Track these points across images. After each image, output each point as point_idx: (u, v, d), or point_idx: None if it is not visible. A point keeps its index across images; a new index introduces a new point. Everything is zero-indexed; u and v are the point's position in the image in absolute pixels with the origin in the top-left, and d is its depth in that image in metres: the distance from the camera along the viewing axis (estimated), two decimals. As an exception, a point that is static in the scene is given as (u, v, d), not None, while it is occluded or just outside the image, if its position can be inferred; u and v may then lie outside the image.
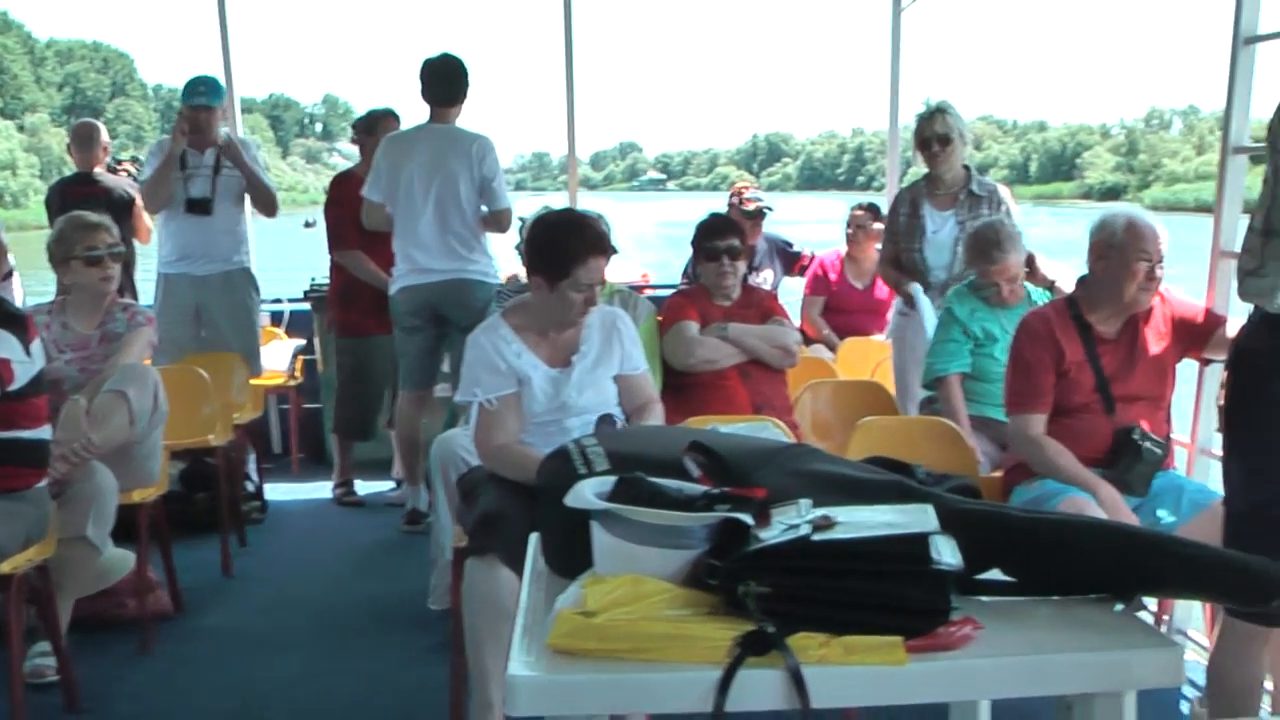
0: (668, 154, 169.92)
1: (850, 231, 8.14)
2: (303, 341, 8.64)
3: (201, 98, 6.98)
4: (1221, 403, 3.68)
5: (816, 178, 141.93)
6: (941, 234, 6.09)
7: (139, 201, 7.60)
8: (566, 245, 4.25)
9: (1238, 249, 3.54)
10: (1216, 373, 4.45)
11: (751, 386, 5.37)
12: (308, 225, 7.99)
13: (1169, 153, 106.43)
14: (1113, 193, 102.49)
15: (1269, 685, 3.75)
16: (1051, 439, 4.36)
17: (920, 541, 2.13)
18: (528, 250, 4.42)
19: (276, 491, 7.78)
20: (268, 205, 7.34)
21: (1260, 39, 4.50)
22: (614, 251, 4.79)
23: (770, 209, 8.38)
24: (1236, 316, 4.05)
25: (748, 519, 2.21)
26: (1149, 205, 79.47)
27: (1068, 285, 5.09)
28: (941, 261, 6.03)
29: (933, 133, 6.08)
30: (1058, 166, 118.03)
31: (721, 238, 5.56)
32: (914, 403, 5.90)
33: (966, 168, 6.20)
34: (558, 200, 8.91)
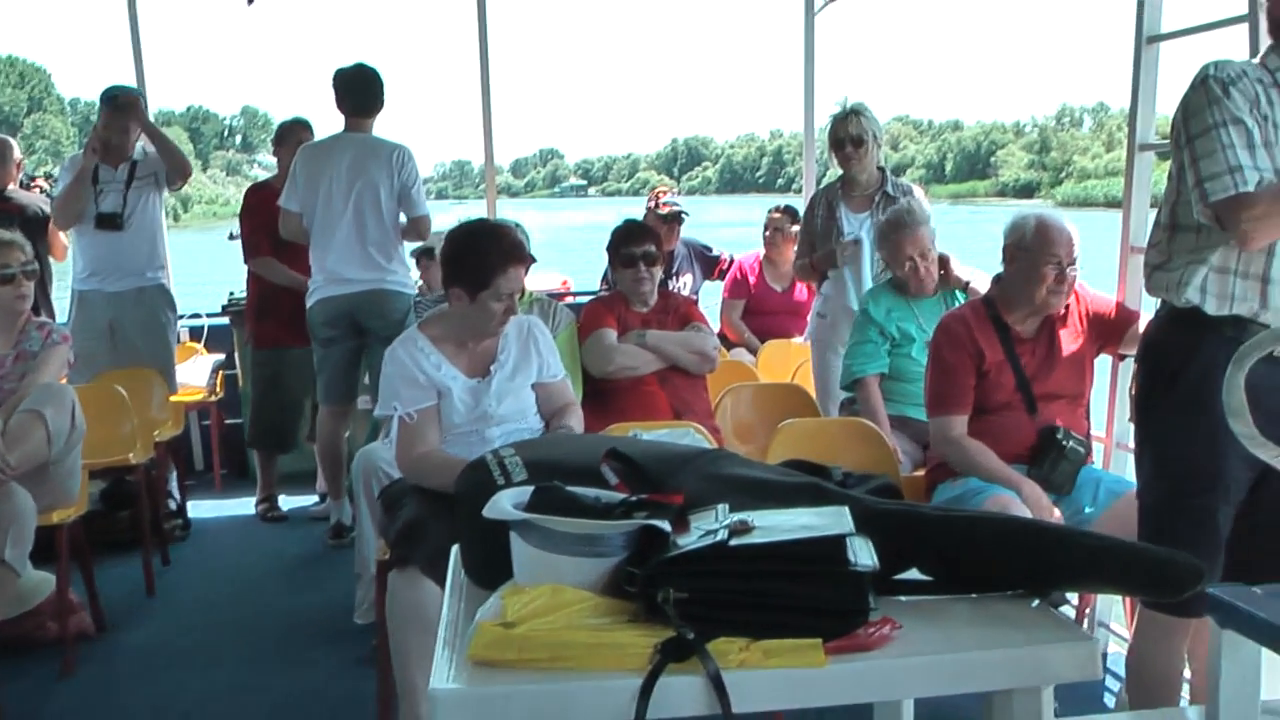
0: (589, 160, 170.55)
1: (767, 234, 8.14)
2: (222, 356, 8.55)
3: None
4: (1133, 394, 3.74)
5: (737, 181, 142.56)
6: (858, 236, 6.13)
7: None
8: (486, 255, 4.25)
9: (1146, 244, 3.59)
10: (1130, 366, 4.51)
11: (671, 392, 5.38)
12: (232, 237, 7.92)
13: (1079, 150, 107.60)
14: (1027, 190, 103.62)
15: (1188, 675, 3.81)
16: (973, 440, 4.40)
17: (837, 543, 2.14)
18: (446, 262, 4.40)
19: (199, 508, 7.72)
20: (180, 166, 7.19)
21: (1162, 38, 4.56)
22: (532, 260, 4.80)
23: (686, 214, 8.37)
24: (1148, 311, 4.11)
25: (666, 526, 2.22)
26: (1060, 202, 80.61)
27: (982, 286, 5.14)
28: (858, 263, 6.07)
29: (846, 134, 6.12)
30: (973, 165, 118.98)
31: (637, 244, 5.55)
32: (834, 402, 5.92)
33: (881, 169, 6.25)
34: (478, 209, 8.90)
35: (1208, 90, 3.15)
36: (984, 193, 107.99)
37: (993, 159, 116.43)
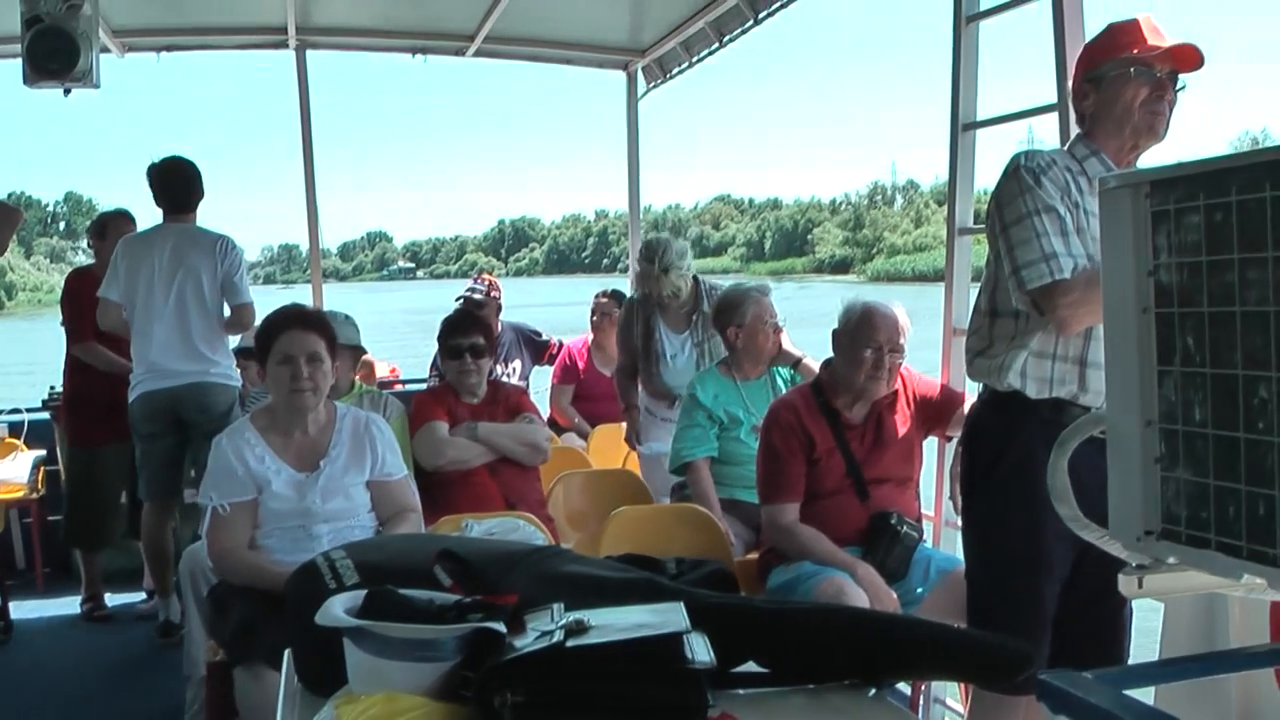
0: (416, 241, 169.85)
1: (595, 319, 8.13)
2: (44, 452, 8.30)
3: None
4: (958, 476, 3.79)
5: (564, 261, 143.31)
6: (680, 358, 6.25)
7: None
8: (269, 323, 4.35)
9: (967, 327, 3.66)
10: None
11: (503, 483, 5.34)
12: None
13: (890, 226, 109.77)
14: (842, 265, 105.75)
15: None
16: (805, 526, 4.42)
17: (673, 641, 2.14)
18: None
19: (21, 609, 7.43)
20: (9, 215, 7.00)
21: (978, 125, 4.68)
22: (361, 351, 4.76)
23: (482, 300, 8.16)
24: (973, 392, 4.18)
25: (500, 628, 2.19)
26: (871, 277, 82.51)
27: (813, 364, 5.20)
28: (684, 383, 6.06)
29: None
30: (790, 243, 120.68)
31: (465, 335, 5.53)
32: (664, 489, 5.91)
33: (696, 279, 6.33)
34: (305, 293, 8.80)
35: (1020, 179, 3.23)
36: (802, 269, 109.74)
37: (810, 236, 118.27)
